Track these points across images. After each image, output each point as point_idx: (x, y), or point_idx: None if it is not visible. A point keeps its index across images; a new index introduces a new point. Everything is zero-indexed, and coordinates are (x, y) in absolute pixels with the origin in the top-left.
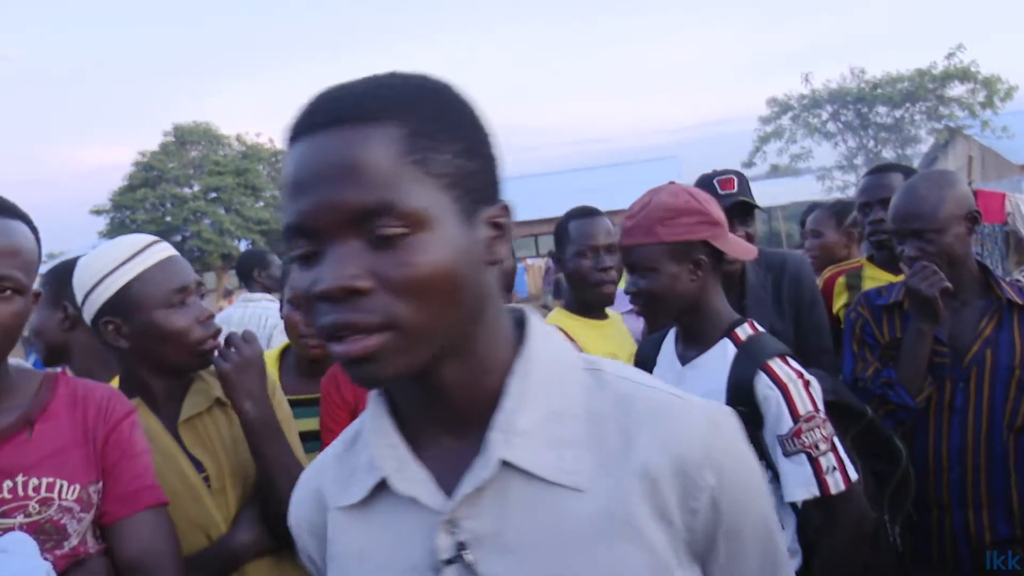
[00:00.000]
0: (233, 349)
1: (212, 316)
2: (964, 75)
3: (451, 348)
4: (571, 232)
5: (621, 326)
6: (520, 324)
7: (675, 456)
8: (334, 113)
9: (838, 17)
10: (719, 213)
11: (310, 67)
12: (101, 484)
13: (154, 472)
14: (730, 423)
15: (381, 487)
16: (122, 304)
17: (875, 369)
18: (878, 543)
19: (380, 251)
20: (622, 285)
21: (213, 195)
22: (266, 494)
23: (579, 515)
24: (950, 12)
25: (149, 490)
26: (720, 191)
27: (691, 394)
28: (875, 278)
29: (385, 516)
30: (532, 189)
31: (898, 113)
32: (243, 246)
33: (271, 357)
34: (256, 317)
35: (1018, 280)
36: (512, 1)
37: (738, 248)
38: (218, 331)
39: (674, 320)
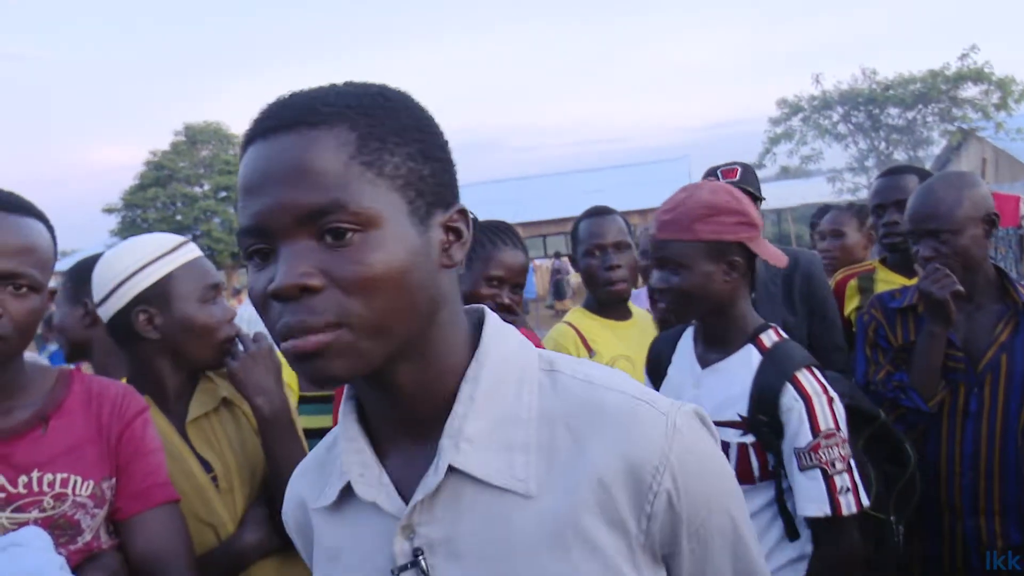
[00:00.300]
0: (241, 347)
1: (234, 316)
2: (978, 76)
3: (404, 350)
4: (580, 232)
5: (646, 326)
6: (478, 325)
7: (627, 461)
8: (285, 117)
9: (849, 18)
10: (757, 215)
11: (320, 66)
12: (114, 480)
13: (166, 469)
14: (691, 425)
15: (350, 490)
16: (159, 294)
17: (887, 372)
18: (883, 543)
19: (331, 250)
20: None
21: (223, 194)
22: (274, 492)
23: (528, 522)
24: (963, 13)
25: (161, 487)
26: (722, 180)
27: (656, 394)
28: (888, 281)
29: (353, 519)
30: (541, 190)
31: (910, 115)
32: None
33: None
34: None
35: None
36: (520, 1)
37: (771, 253)
38: (239, 332)
39: (699, 320)
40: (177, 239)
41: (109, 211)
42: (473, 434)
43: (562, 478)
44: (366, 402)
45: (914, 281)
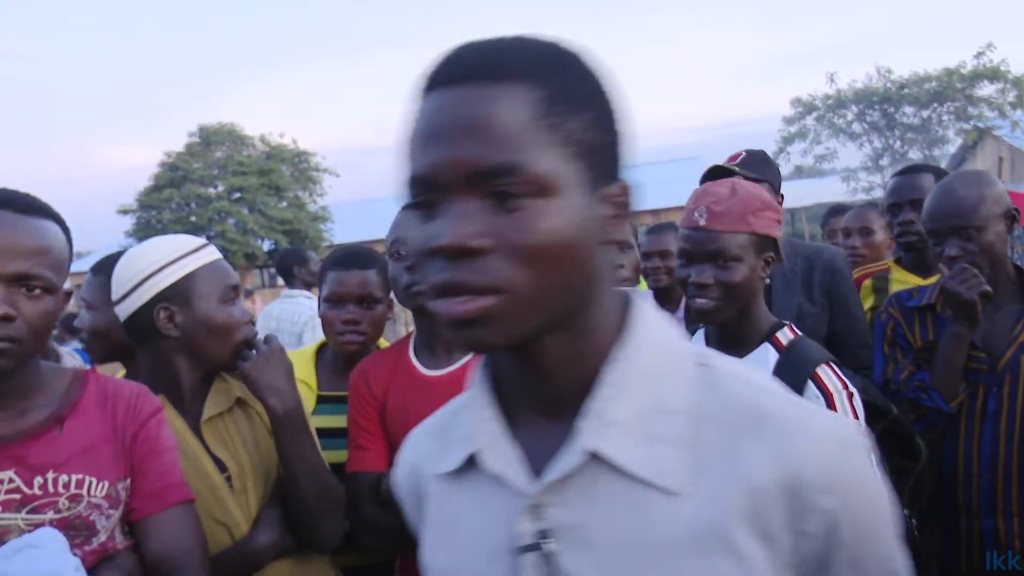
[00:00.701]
0: (252, 349)
1: (252, 318)
2: (994, 75)
3: (557, 323)
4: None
5: None
6: (627, 308)
7: (788, 473)
8: (472, 68)
9: (864, 17)
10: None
11: (334, 69)
12: (129, 481)
13: (181, 469)
14: (859, 443)
15: (475, 460)
16: (182, 292)
17: (909, 372)
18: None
19: (502, 213)
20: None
21: (237, 195)
22: (288, 492)
23: (671, 520)
24: (979, 11)
25: (176, 487)
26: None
27: (817, 405)
28: (902, 281)
29: (475, 490)
30: None
31: (925, 113)
32: (266, 246)
33: (307, 353)
34: (291, 313)
35: None
36: (534, 1)
37: (782, 252)
38: (255, 334)
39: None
40: (199, 241)
41: (124, 212)
42: (617, 419)
43: (712, 479)
44: (503, 373)
45: (930, 281)
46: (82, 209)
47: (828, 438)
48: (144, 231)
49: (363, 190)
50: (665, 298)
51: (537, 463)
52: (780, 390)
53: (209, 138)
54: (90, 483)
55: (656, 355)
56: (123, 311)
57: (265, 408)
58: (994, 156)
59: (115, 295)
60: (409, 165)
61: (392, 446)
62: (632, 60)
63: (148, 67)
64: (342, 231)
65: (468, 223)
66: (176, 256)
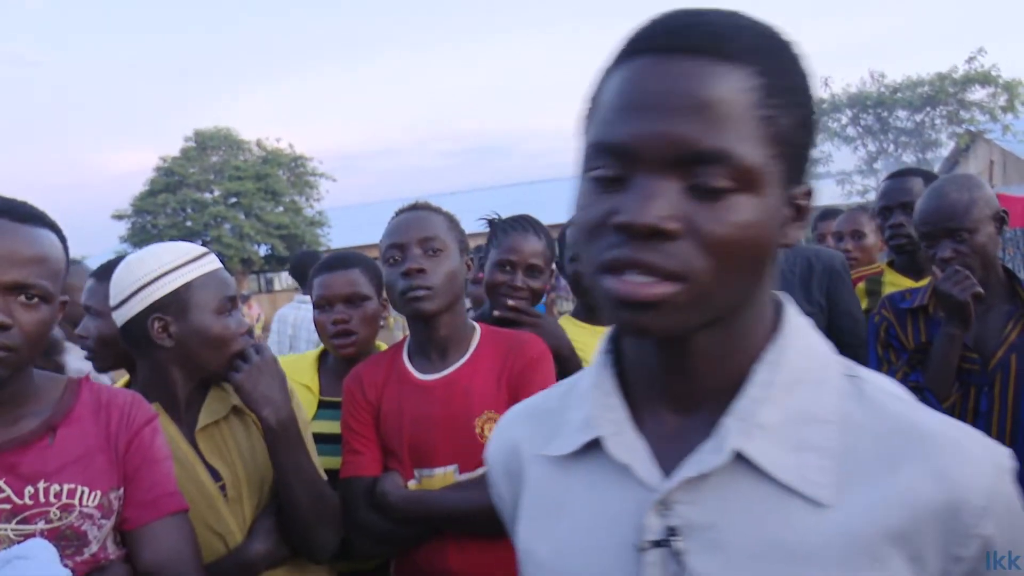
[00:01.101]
0: (243, 361)
1: (249, 330)
2: (985, 79)
3: (721, 318)
4: (567, 239)
5: None
6: (778, 310)
7: (952, 496)
8: (694, 39)
9: (857, 22)
10: None
11: (331, 73)
12: (122, 490)
13: (175, 478)
14: (1011, 468)
15: (591, 446)
16: (178, 303)
17: (903, 373)
18: None
19: (699, 199)
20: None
21: (233, 200)
22: (282, 501)
23: (814, 530)
24: (970, 16)
25: (170, 496)
26: None
27: (968, 427)
28: (895, 283)
29: (591, 476)
30: (551, 194)
31: (918, 117)
32: (263, 251)
33: (309, 358)
34: (307, 320)
35: None
36: (533, 5)
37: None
38: (249, 345)
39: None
40: (198, 249)
41: (119, 217)
42: (767, 422)
43: (862, 494)
44: (636, 360)
45: (922, 283)
46: (76, 214)
47: (988, 463)
48: (139, 236)
49: (360, 194)
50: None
51: (663, 457)
52: (927, 408)
53: (205, 143)
54: (82, 492)
55: (806, 361)
56: (119, 318)
57: (258, 419)
58: (986, 159)
59: (112, 301)
60: (601, 130)
61: (386, 451)
62: None
63: (143, 71)
64: (339, 236)
65: (662, 203)
66: (174, 265)
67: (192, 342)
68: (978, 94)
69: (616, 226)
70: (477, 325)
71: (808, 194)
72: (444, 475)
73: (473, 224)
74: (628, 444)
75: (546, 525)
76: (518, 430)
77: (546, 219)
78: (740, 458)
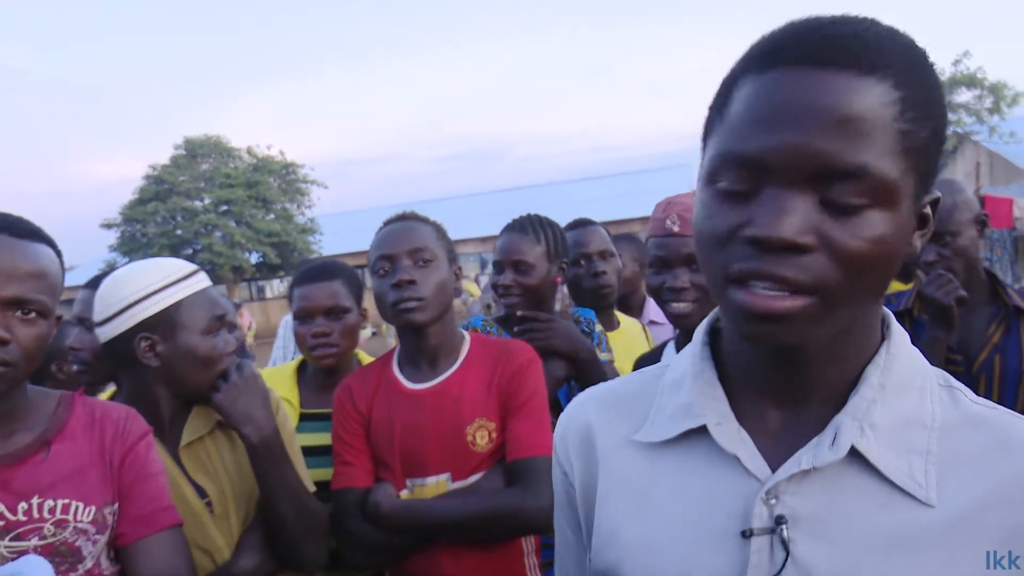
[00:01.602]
0: (222, 380)
1: (235, 348)
2: (971, 81)
3: (845, 327)
4: (567, 241)
5: (633, 335)
6: (884, 318)
7: None
8: (836, 52)
9: None
10: None
11: (323, 79)
12: (117, 505)
13: (169, 493)
14: None
15: (688, 434)
16: (167, 322)
17: None
18: None
19: (833, 213)
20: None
21: (224, 208)
22: (268, 517)
23: (920, 527)
24: (955, 20)
25: (165, 511)
26: None
27: None
28: None
29: (687, 464)
30: (542, 199)
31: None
32: (254, 259)
33: (288, 371)
34: None
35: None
36: (526, 10)
37: None
38: (233, 364)
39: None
40: (188, 267)
41: (108, 226)
42: (878, 423)
43: (962, 496)
44: (737, 354)
45: (908, 286)
46: (64, 223)
47: None
48: (129, 245)
49: (352, 201)
50: (624, 306)
51: (766, 448)
52: (1013, 412)
53: (195, 150)
54: (76, 508)
55: (911, 368)
56: (103, 334)
57: (241, 437)
58: (973, 161)
59: (97, 317)
60: (732, 142)
61: (377, 461)
62: (628, 69)
63: (132, 78)
64: (330, 243)
65: (796, 218)
66: (163, 284)
67: (179, 362)
68: (964, 96)
69: (749, 239)
70: (467, 333)
71: (935, 203)
72: (437, 484)
73: (466, 230)
74: (734, 434)
75: (636, 508)
76: (592, 413)
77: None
78: (850, 455)
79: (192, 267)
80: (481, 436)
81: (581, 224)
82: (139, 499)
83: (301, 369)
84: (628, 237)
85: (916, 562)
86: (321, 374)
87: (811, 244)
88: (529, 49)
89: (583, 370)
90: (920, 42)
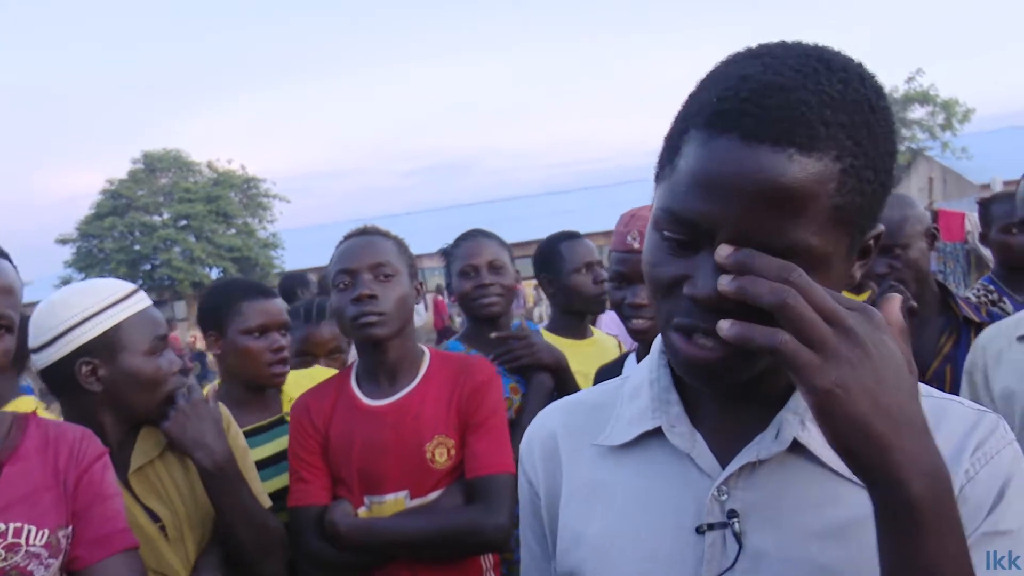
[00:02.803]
0: (171, 407)
1: (181, 369)
2: (924, 98)
3: None
4: (564, 253)
5: (606, 345)
6: None
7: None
8: (777, 131)
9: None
10: None
11: (284, 93)
12: (71, 528)
13: (126, 515)
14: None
15: (644, 437)
16: (107, 345)
17: None
18: None
19: None
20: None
21: (183, 223)
22: (226, 540)
23: (862, 509)
24: (908, 39)
25: (121, 534)
26: None
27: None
28: None
29: (644, 466)
30: (510, 213)
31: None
32: (214, 274)
33: (207, 389)
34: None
35: (968, 297)
36: (492, 23)
37: None
38: (180, 386)
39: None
40: (126, 287)
41: (63, 241)
42: None
43: None
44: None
45: (861, 298)
46: (18, 237)
47: (973, 421)
48: (85, 261)
49: (316, 215)
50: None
51: (716, 447)
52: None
53: (153, 164)
54: (29, 531)
55: None
56: (40, 361)
57: (194, 463)
58: (926, 175)
59: (32, 343)
60: (677, 200)
61: (335, 478)
62: (600, 81)
63: (89, 90)
64: (293, 258)
65: (730, 279)
66: (101, 306)
67: (123, 385)
68: (918, 113)
69: (688, 296)
70: (427, 349)
71: (878, 236)
72: (395, 501)
73: (434, 244)
74: (688, 435)
75: (596, 509)
76: (556, 422)
77: (508, 237)
78: (794, 448)
79: (130, 287)
80: (440, 453)
81: (574, 236)
82: (94, 521)
83: (218, 389)
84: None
85: (864, 542)
86: (243, 389)
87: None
88: (497, 62)
89: (561, 379)
90: (878, 96)
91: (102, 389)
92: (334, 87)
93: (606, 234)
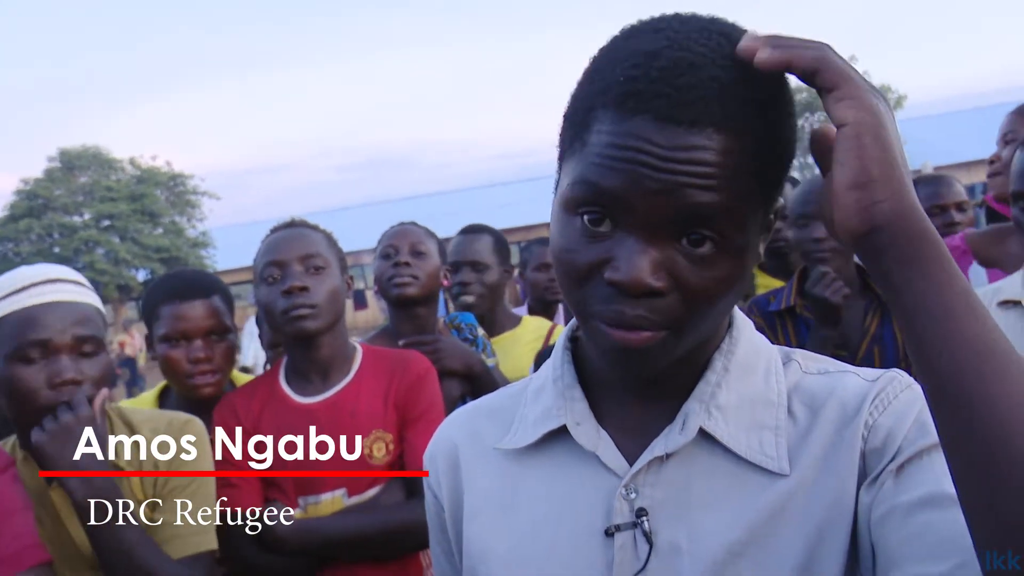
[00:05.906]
0: (52, 418)
1: (72, 382)
2: None
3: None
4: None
5: (535, 334)
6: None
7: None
8: (694, 110)
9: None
10: None
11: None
12: None
13: (36, 530)
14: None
15: (548, 439)
16: None
17: None
18: None
19: (685, 255)
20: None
21: (106, 223)
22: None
23: (774, 497)
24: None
25: (31, 549)
26: None
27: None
28: (766, 285)
29: (550, 469)
30: (452, 206)
31: (798, 122)
32: (141, 276)
33: (148, 401)
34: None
35: None
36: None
37: None
38: (62, 401)
39: None
40: (28, 279)
41: None
42: (724, 404)
43: (811, 455)
44: (589, 359)
45: (783, 284)
46: None
47: (869, 385)
48: (1, 266)
49: (250, 213)
50: (544, 311)
51: (624, 445)
52: (840, 365)
53: (72, 162)
54: None
55: (754, 352)
56: None
57: (65, 491)
58: None
59: None
60: (595, 172)
61: (265, 481)
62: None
63: None
64: (225, 256)
65: (653, 265)
66: None
67: None
68: None
69: (610, 281)
70: (359, 345)
71: (778, 211)
72: (332, 500)
73: (372, 239)
74: (593, 433)
75: (503, 520)
76: (456, 430)
77: (451, 230)
78: (701, 438)
79: (32, 278)
80: (378, 448)
81: (400, 224)
82: (2, 538)
83: (164, 395)
84: (542, 241)
85: (781, 527)
86: (186, 403)
87: (665, 288)
88: (438, 56)
89: (477, 384)
90: (785, 79)
91: None
92: (267, 84)
93: (547, 226)
